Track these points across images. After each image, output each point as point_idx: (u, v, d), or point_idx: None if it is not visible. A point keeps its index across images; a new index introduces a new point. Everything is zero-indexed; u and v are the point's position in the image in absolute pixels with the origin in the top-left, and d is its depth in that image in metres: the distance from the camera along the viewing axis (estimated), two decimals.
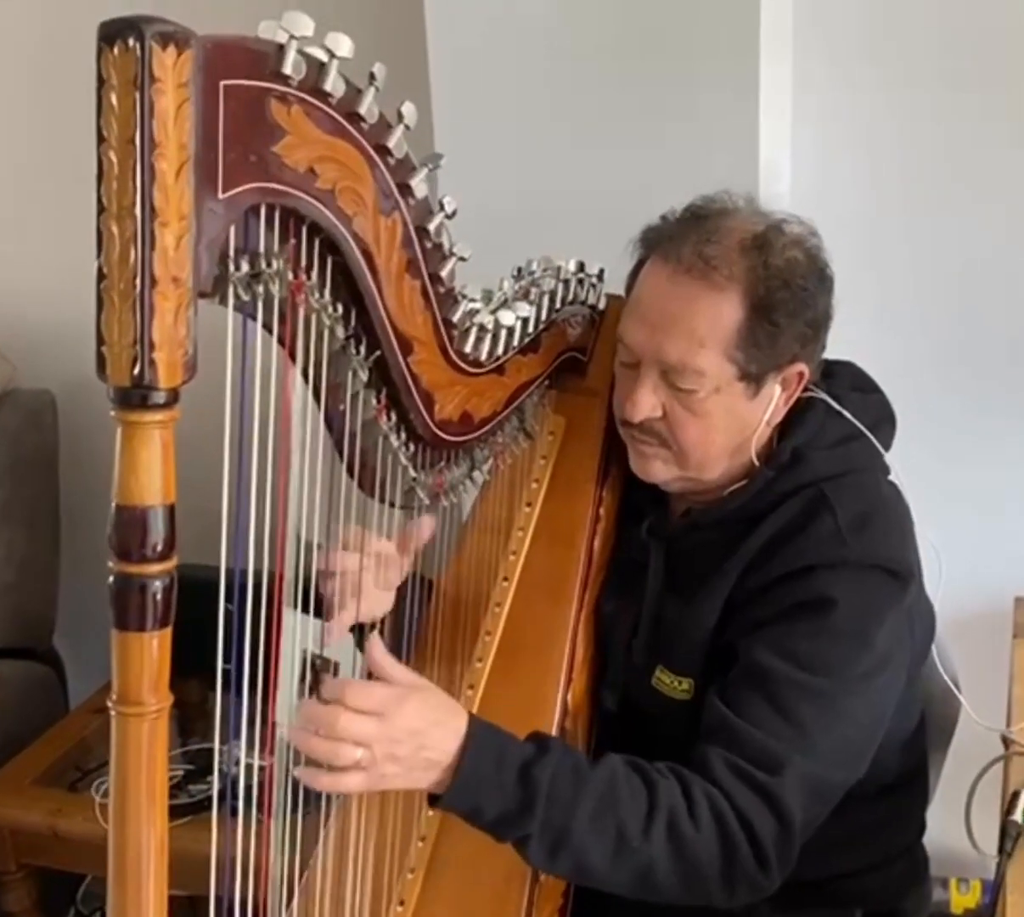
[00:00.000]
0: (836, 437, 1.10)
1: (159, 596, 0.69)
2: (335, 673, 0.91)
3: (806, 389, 1.10)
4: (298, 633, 0.88)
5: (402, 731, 0.84)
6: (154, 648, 0.70)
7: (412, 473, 0.97)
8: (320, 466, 0.83)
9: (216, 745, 0.74)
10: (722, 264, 1.01)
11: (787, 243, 1.04)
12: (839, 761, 0.99)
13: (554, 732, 1.05)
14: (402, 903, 1.00)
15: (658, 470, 1.09)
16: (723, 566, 1.07)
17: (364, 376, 0.87)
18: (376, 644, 0.87)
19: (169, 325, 0.65)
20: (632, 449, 1.11)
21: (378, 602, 1.06)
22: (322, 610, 0.96)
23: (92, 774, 1.76)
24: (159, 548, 0.68)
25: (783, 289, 1.02)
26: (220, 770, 1.59)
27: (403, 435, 0.94)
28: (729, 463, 1.08)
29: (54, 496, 2.00)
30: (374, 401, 0.90)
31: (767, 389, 1.06)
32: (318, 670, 0.91)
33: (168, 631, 0.71)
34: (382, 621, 1.08)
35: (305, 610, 0.87)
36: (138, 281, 0.64)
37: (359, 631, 1.01)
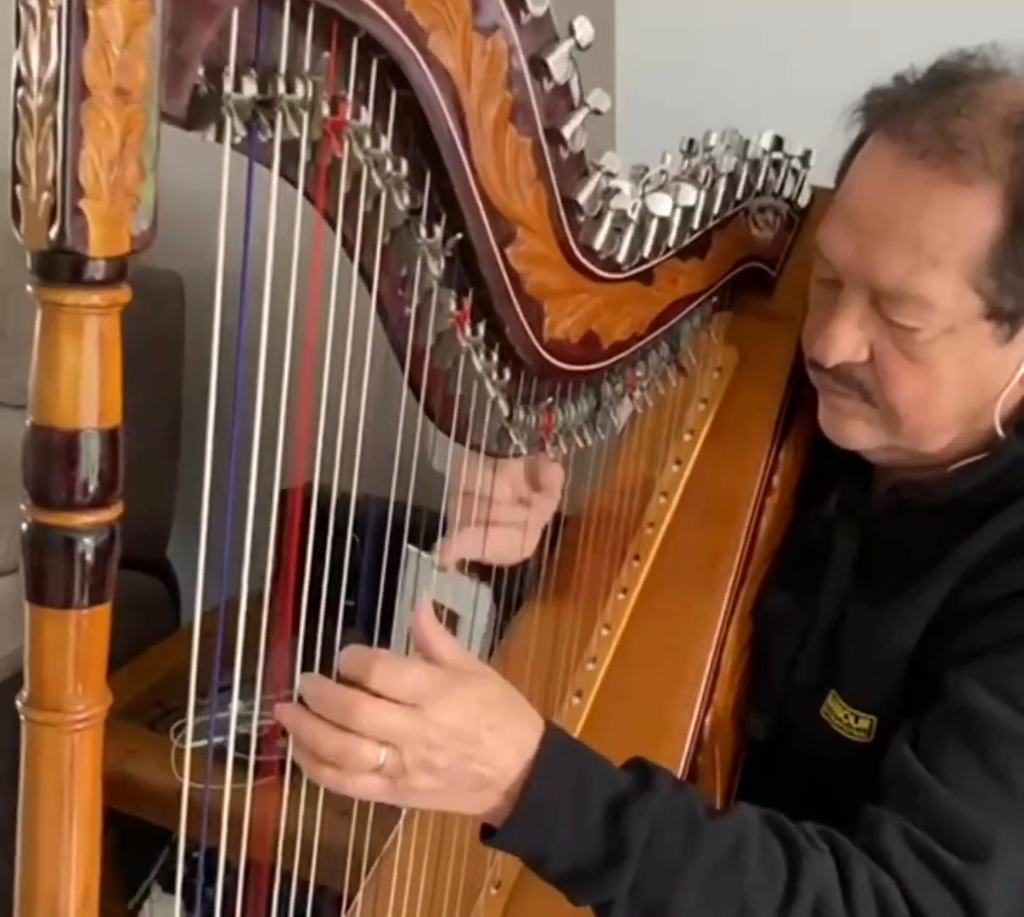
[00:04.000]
0: None
1: (91, 558, 0.55)
2: (453, 630, 0.81)
3: None
4: (422, 578, 0.79)
5: (443, 732, 0.68)
6: (83, 632, 0.56)
7: (505, 409, 0.79)
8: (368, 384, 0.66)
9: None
10: (975, 147, 0.79)
11: None
12: None
13: (681, 767, 0.89)
14: (498, 885, 0.89)
15: (857, 433, 0.90)
16: (936, 568, 0.88)
17: (438, 269, 0.69)
18: (426, 606, 0.73)
19: (108, 160, 0.50)
20: (824, 401, 0.92)
21: (512, 543, 0.92)
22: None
23: (173, 714, 1.63)
24: (92, 490, 0.54)
25: None
26: None
27: (495, 357, 0.76)
28: (959, 432, 0.89)
29: (176, 392, 1.91)
30: (452, 305, 0.71)
31: None
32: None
33: (105, 609, 0.56)
34: (514, 570, 0.94)
35: (428, 548, 0.81)
36: (61, 88, 0.48)
37: (493, 576, 0.90)
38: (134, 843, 1.82)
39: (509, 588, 0.96)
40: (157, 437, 1.92)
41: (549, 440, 0.84)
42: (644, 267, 0.83)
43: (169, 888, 1.73)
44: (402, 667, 0.69)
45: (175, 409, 1.95)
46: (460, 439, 0.78)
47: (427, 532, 0.82)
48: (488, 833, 0.74)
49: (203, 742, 1.54)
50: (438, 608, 0.79)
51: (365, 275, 0.68)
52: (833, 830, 0.78)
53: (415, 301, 0.70)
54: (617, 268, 0.81)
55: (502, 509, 0.90)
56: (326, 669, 0.69)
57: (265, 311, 0.58)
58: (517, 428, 0.80)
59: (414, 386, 0.73)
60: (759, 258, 1.02)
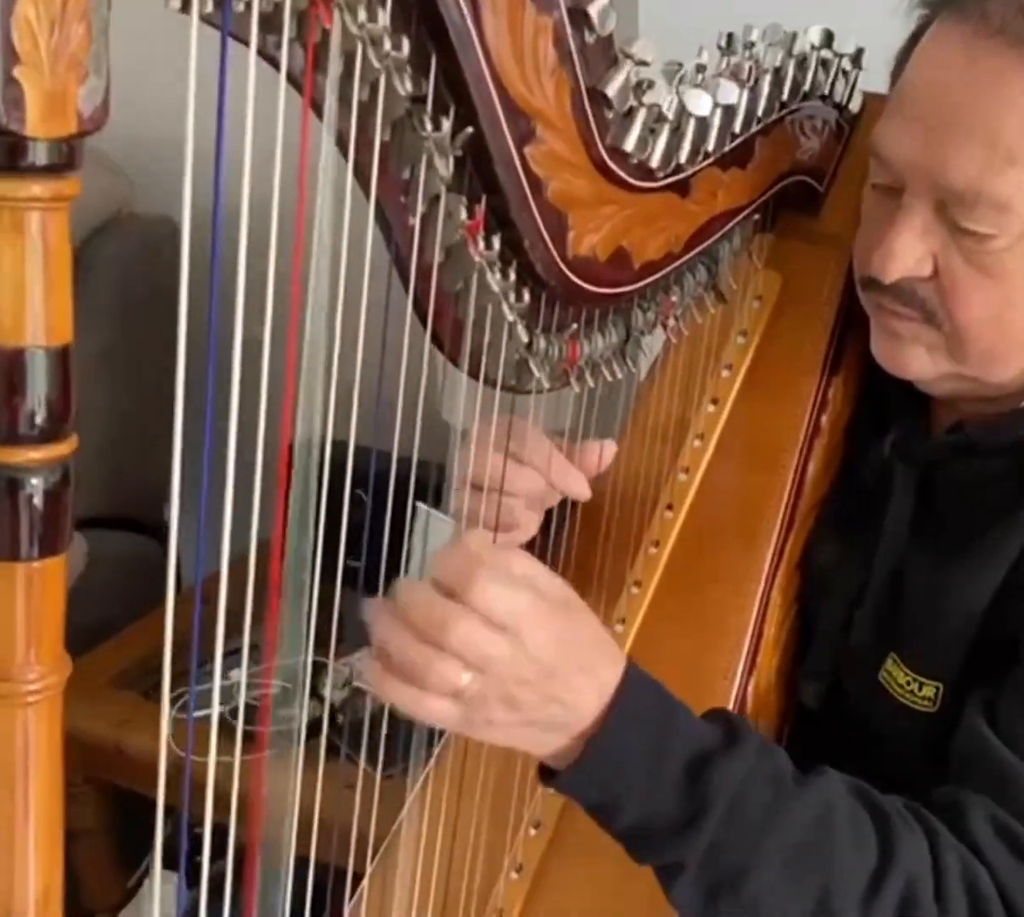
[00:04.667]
0: None
1: (41, 502, 0.49)
2: None
3: None
4: (433, 535, 0.76)
5: (535, 668, 0.64)
6: (35, 589, 0.50)
7: (524, 337, 0.71)
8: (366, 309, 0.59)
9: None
10: None
11: None
12: None
13: None
14: (520, 869, 0.84)
15: (918, 361, 0.82)
16: (1008, 518, 0.81)
17: (445, 169, 0.61)
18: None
19: (48, 20, 0.43)
20: (878, 326, 0.85)
21: (522, 524, 0.86)
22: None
23: (173, 680, 1.61)
24: (40, 420, 0.48)
25: None
26: (317, 694, 1.52)
27: (512, 276, 0.68)
28: None
29: (170, 342, 1.89)
30: (462, 214, 0.63)
31: None
32: None
33: (59, 562, 0.50)
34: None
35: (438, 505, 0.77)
36: None
37: None
38: (133, 819, 1.75)
39: (529, 544, 0.89)
40: (151, 391, 1.87)
41: (574, 373, 0.76)
42: (680, 176, 0.75)
43: (169, 865, 1.70)
44: (508, 586, 0.64)
45: (170, 361, 1.91)
46: (473, 373, 0.70)
47: (437, 488, 0.77)
48: (547, 773, 0.70)
49: (203, 712, 1.49)
50: None
51: (361, 178, 0.60)
52: (919, 806, 0.73)
53: (420, 209, 0.62)
54: (650, 175, 0.72)
55: (520, 507, 0.83)
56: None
57: (243, 233, 0.50)
58: (538, 359, 0.72)
59: (420, 310, 0.66)
60: (805, 171, 0.93)
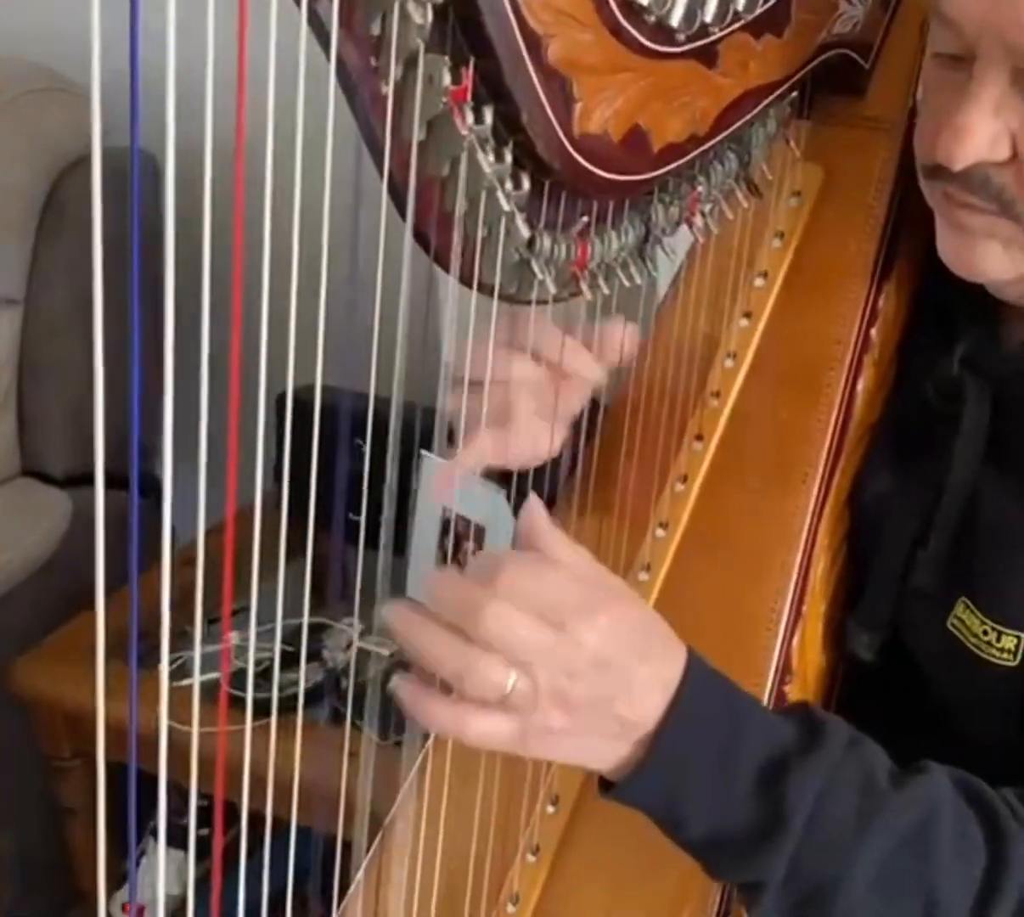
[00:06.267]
0: None
1: None
2: (479, 544, 0.74)
3: None
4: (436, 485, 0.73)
5: (587, 656, 0.61)
6: None
7: (524, 232, 0.63)
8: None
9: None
10: None
11: None
12: None
13: (763, 701, 0.78)
14: (537, 851, 0.79)
15: (992, 260, 0.76)
16: None
17: (423, 18, 0.53)
18: (537, 507, 0.66)
19: None
20: (946, 221, 0.78)
21: (541, 438, 0.80)
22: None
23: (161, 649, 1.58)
24: None
25: None
26: (320, 658, 1.52)
27: (507, 157, 0.60)
28: None
29: (154, 288, 1.84)
30: (446, 79, 0.55)
31: None
32: (458, 537, 0.75)
33: None
34: (540, 469, 0.81)
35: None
36: None
37: (514, 484, 0.78)
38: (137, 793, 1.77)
39: (537, 489, 0.83)
40: (132, 339, 1.85)
41: (584, 278, 0.68)
42: (706, 40, 0.67)
43: (169, 841, 1.71)
44: (541, 572, 0.61)
45: (152, 306, 1.87)
46: (465, 278, 0.62)
47: (443, 435, 0.74)
48: (607, 784, 0.66)
49: (188, 681, 1.46)
50: (462, 522, 0.73)
51: (319, 34, 0.51)
52: None
53: (394, 72, 0.54)
54: (670, 38, 0.64)
55: (523, 394, 0.77)
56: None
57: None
58: (541, 260, 0.65)
59: (398, 200, 0.57)
60: (848, 44, 0.85)
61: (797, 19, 0.76)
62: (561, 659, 0.60)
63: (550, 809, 0.80)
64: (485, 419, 0.73)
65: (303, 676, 1.49)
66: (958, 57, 0.72)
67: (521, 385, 0.76)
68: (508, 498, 0.75)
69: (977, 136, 0.70)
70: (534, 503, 0.65)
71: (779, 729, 0.66)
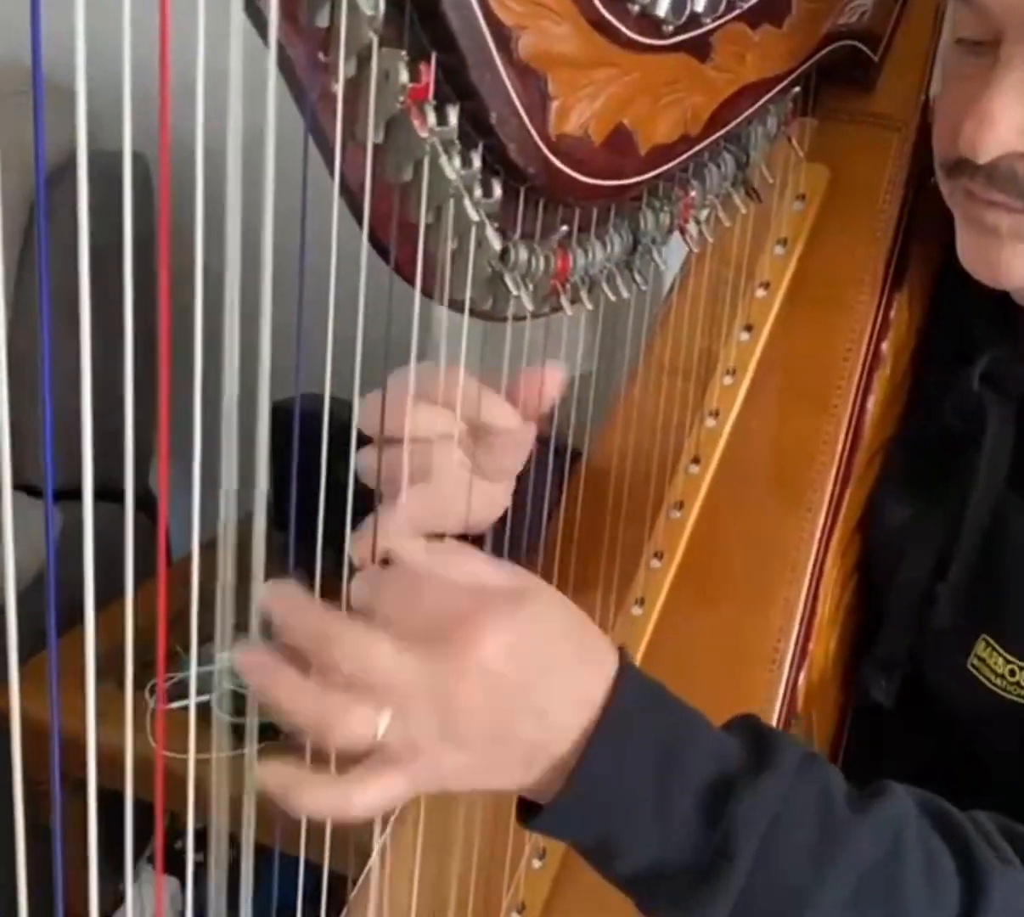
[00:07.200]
0: None
1: None
2: None
3: None
4: None
5: (470, 681, 0.54)
6: None
7: (496, 244, 0.59)
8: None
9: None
10: None
11: None
12: None
13: None
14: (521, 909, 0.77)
15: (1020, 264, 0.74)
16: None
17: (373, 8, 0.49)
18: (400, 511, 0.61)
19: None
20: (968, 221, 0.75)
21: (484, 502, 0.71)
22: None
23: (151, 669, 1.55)
24: None
25: None
26: None
27: (475, 162, 0.56)
28: None
29: (149, 296, 1.88)
30: (403, 75, 0.51)
31: None
32: None
33: None
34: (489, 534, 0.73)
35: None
36: None
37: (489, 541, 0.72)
38: (120, 819, 1.77)
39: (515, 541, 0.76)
40: (119, 348, 1.87)
41: (565, 292, 0.64)
42: (697, 31, 0.63)
43: (165, 869, 1.71)
44: (408, 584, 0.55)
45: (149, 316, 1.90)
46: (426, 291, 0.58)
47: None
48: (529, 810, 0.59)
49: (183, 703, 1.43)
50: None
51: (259, 25, 0.47)
52: (1016, 824, 0.63)
53: (344, 67, 0.50)
54: (657, 29, 0.60)
55: (445, 451, 0.68)
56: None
57: None
58: (517, 274, 0.60)
59: (355, 210, 0.53)
60: (855, 34, 0.82)
61: (799, 8, 0.73)
62: (439, 693, 0.53)
63: (537, 863, 0.77)
64: (407, 479, 0.64)
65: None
66: (981, 42, 0.69)
67: (443, 441, 0.67)
68: (494, 551, 0.70)
69: (1004, 124, 0.68)
70: (400, 508, 0.60)
71: (724, 746, 0.60)
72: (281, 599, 0.54)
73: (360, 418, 0.63)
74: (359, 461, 0.64)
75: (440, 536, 0.65)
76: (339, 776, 0.53)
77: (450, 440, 0.66)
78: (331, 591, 0.57)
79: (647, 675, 0.60)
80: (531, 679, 0.55)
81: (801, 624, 0.78)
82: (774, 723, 0.76)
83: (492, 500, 0.72)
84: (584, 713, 0.56)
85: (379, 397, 0.62)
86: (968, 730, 0.80)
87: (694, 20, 0.62)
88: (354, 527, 0.60)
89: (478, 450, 0.68)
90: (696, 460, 0.83)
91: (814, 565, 0.79)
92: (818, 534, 0.80)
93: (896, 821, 0.60)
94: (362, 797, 0.53)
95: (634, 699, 0.58)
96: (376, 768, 0.53)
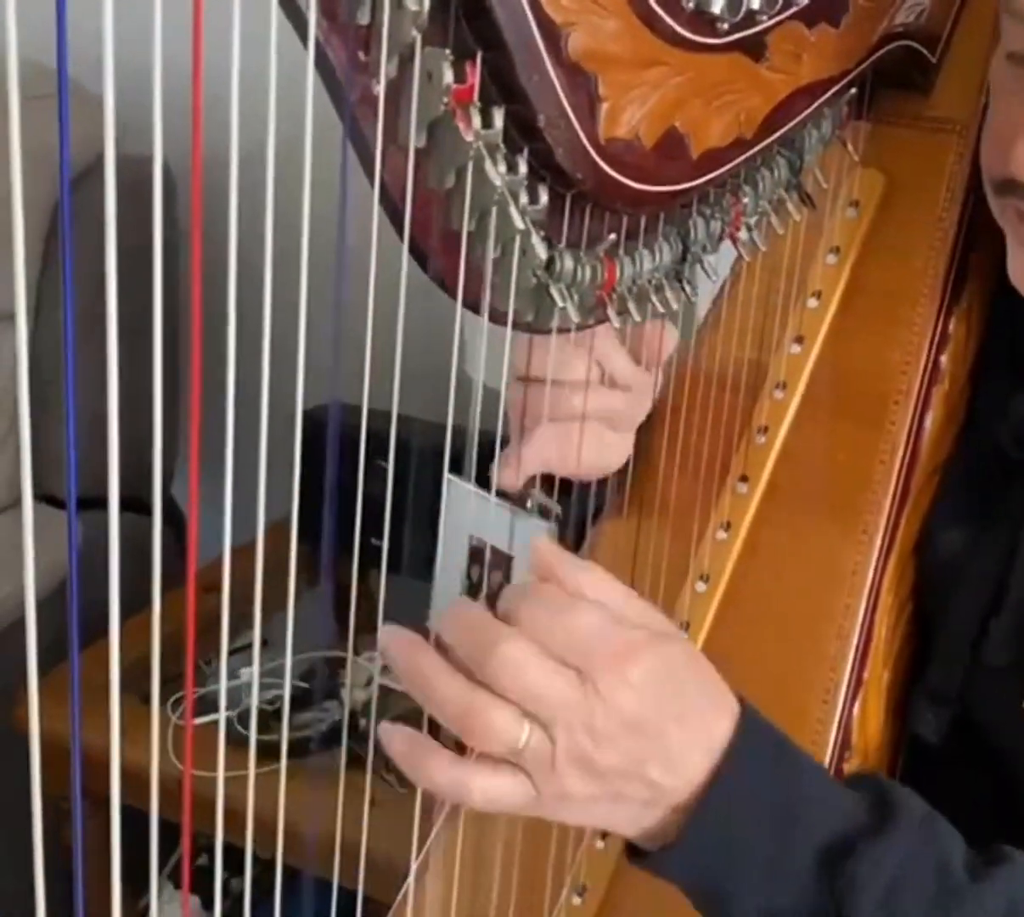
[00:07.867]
0: None
1: None
2: (506, 576, 0.73)
3: None
4: (466, 512, 0.72)
5: (616, 714, 0.55)
6: None
7: (542, 253, 0.57)
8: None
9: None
10: None
11: None
12: None
13: None
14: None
15: None
16: None
17: (418, 4, 0.47)
18: (543, 538, 0.63)
19: None
20: (1017, 242, 0.73)
21: (604, 449, 0.78)
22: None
23: (174, 683, 1.56)
24: None
25: None
26: (336, 695, 1.52)
27: (522, 167, 0.54)
28: None
29: (171, 301, 1.86)
30: (447, 76, 0.49)
31: None
32: (485, 567, 0.74)
33: None
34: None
35: (480, 482, 0.72)
36: None
37: (564, 503, 0.76)
38: (147, 836, 1.77)
39: (579, 516, 0.80)
40: (149, 355, 1.87)
41: (612, 303, 0.62)
42: (753, 30, 0.61)
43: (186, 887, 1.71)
44: (565, 610, 0.56)
45: (172, 325, 1.90)
46: (470, 303, 0.56)
47: (470, 458, 0.71)
48: (636, 851, 0.61)
49: (211, 718, 1.42)
50: (480, 548, 0.72)
51: (296, 23, 0.45)
52: None
53: (385, 67, 0.48)
54: (711, 27, 0.58)
55: (582, 395, 0.75)
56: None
57: None
58: (562, 284, 0.58)
59: (394, 217, 0.51)
60: (913, 34, 0.80)
61: (856, 6, 0.70)
62: (585, 717, 0.55)
63: (576, 900, 0.74)
64: (543, 417, 0.71)
65: (316, 716, 1.46)
66: None
67: (577, 386, 0.73)
68: (560, 519, 0.73)
69: None
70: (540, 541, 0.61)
71: (845, 802, 0.60)
72: (455, 604, 0.57)
73: (512, 356, 0.68)
74: (509, 394, 0.73)
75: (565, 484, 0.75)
76: (469, 759, 0.54)
77: (583, 386, 0.73)
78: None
79: (770, 724, 0.60)
80: (666, 722, 0.56)
81: (856, 654, 0.75)
82: (828, 754, 0.73)
83: (616, 449, 0.79)
84: (708, 758, 0.57)
85: (528, 338, 0.66)
86: (1020, 769, 0.77)
87: (750, 18, 0.60)
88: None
89: (608, 398, 0.75)
90: (744, 478, 0.80)
91: (870, 592, 0.76)
92: (874, 558, 0.77)
93: (1014, 890, 0.59)
94: (483, 787, 0.54)
95: (756, 747, 0.59)
96: (508, 767, 0.54)
